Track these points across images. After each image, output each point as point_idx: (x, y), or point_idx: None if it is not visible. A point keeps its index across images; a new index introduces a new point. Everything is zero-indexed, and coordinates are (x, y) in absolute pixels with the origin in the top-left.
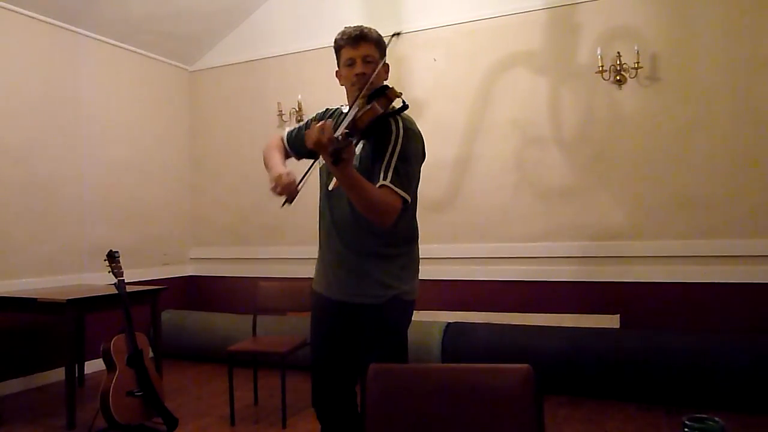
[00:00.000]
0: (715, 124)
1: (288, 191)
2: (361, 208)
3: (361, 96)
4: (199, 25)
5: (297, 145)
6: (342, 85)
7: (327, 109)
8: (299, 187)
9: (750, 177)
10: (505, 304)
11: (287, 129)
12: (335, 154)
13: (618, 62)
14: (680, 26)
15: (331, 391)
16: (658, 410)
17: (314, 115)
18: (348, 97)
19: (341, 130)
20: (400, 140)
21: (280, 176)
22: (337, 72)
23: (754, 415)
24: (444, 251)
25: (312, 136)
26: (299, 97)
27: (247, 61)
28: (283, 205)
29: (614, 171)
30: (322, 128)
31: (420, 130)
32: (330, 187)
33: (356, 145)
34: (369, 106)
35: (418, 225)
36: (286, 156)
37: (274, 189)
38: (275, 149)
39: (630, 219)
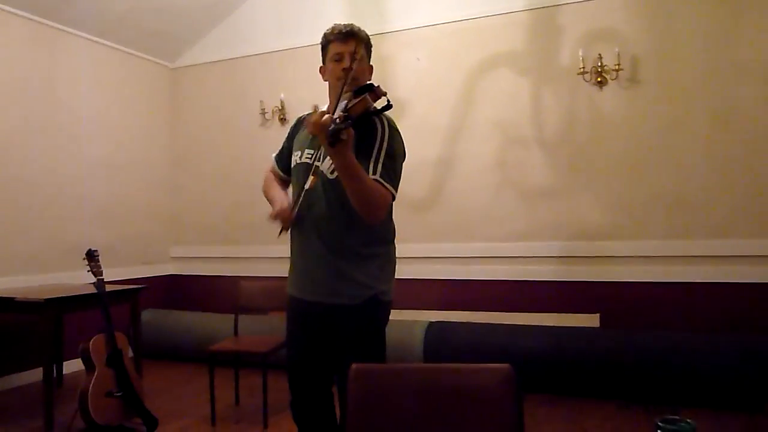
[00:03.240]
0: (694, 126)
1: (282, 219)
2: (357, 200)
3: (346, 90)
4: (180, 21)
5: (284, 161)
6: (325, 80)
7: (299, 118)
8: (293, 214)
9: (728, 178)
10: (486, 304)
11: (273, 154)
12: (335, 134)
13: (599, 64)
14: (660, 29)
15: (307, 393)
16: (638, 408)
17: (292, 125)
18: (330, 93)
19: (337, 113)
20: (386, 137)
21: (282, 209)
22: (321, 68)
23: (733, 412)
24: (426, 251)
25: (313, 118)
26: (282, 95)
27: (229, 59)
28: (279, 234)
29: (595, 171)
30: (322, 113)
31: (400, 129)
32: (307, 186)
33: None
34: (361, 98)
35: (399, 224)
36: (283, 180)
37: (273, 219)
38: (272, 181)
39: (610, 219)
